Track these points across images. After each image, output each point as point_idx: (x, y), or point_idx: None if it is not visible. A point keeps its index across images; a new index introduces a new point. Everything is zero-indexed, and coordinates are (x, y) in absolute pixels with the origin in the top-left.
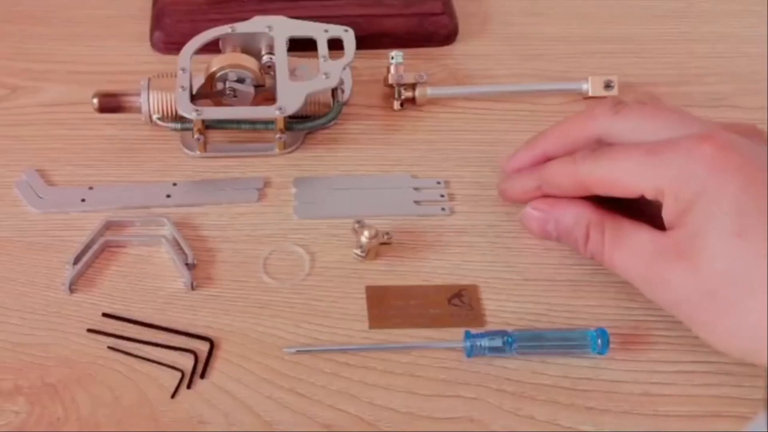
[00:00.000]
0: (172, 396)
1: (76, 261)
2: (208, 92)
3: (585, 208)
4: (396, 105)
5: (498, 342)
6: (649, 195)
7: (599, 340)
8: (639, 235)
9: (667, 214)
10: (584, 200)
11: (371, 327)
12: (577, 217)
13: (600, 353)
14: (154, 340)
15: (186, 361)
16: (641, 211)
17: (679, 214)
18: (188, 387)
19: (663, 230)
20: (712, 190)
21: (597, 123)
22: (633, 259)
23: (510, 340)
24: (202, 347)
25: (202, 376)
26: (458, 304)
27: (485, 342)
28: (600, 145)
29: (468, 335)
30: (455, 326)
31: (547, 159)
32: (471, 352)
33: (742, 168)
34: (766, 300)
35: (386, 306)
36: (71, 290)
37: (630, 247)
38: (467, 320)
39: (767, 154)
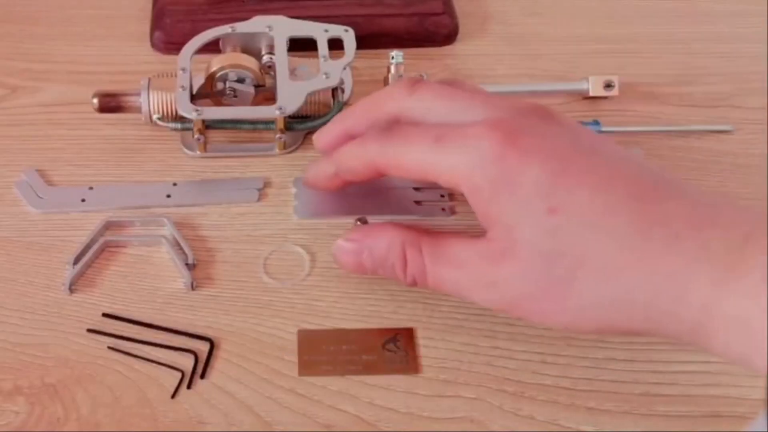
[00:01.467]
0: (172, 396)
1: (76, 261)
2: (208, 92)
3: (398, 229)
4: None
5: None
6: (444, 183)
7: None
8: (459, 244)
9: (475, 209)
10: (398, 224)
11: (300, 375)
12: (390, 240)
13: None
14: (154, 340)
15: (186, 361)
16: None
17: (484, 206)
18: (188, 387)
19: None
20: (510, 176)
21: (393, 102)
22: (459, 272)
23: None
24: (202, 347)
25: (202, 376)
26: (393, 350)
27: None
28: (394, 124)
29: None
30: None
31: (352, 137)
32: None
33: (535, 149)
34: (598, 266)
35: (317, 351)
36: (71, 290)
37: (452, 259)
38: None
39: (560, 131)
